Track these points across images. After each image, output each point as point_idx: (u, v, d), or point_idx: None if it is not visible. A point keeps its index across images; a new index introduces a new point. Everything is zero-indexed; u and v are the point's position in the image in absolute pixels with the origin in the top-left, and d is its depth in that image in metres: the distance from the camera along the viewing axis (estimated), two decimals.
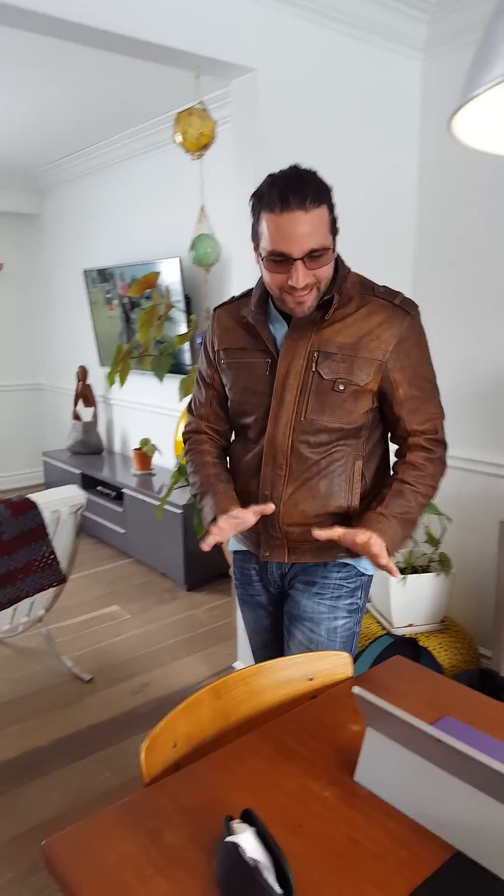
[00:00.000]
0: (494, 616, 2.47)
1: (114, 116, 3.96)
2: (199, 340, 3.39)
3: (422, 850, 0.99)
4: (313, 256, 1.39)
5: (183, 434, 1.77)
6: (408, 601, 2.65)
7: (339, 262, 1.53)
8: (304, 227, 1.36)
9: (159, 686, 2.92)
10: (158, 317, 3.43)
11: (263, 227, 1.40)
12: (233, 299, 1.69)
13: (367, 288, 1.54)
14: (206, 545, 1.50)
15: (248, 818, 0.97)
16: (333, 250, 1.46)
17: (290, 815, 1.06)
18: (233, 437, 1.75)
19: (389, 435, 1.66)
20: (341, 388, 1.50)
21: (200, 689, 1.32)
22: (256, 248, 1.47)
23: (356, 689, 1.07)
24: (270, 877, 0.88)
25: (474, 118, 1.01)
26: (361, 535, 1.43)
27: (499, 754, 1.16)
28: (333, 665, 1.48)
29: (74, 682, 2.95)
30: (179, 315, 4.06)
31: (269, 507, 1.51)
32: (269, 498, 1.56)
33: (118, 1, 2.00)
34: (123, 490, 4.38)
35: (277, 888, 0.87)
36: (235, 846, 0.89)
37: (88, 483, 4.91)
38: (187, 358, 4.06)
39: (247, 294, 1.66)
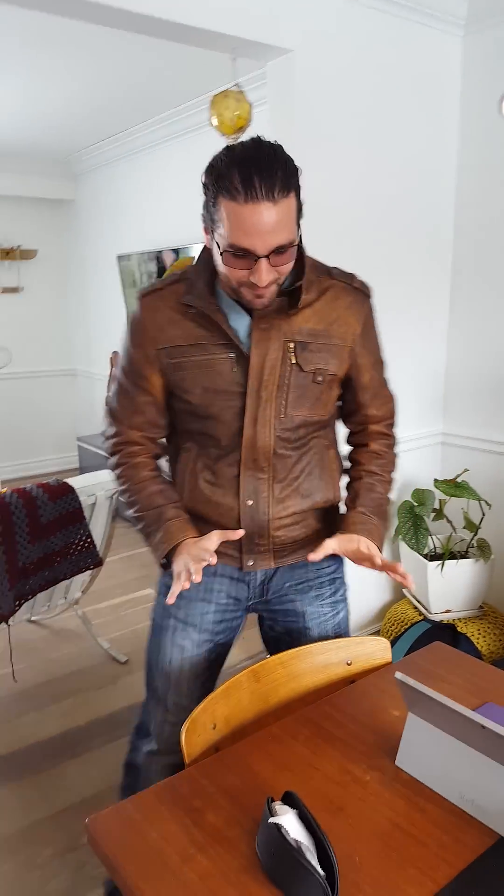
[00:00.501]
0: None
1: (147, 100, 3.94)
2: None
3: (464, 835, 0.99)
4: (278, 252, 1.21)
5: (111, 446, 1.52)
6: (446, 587, 2.63)
7: (300, 246, 1.35)
8: (271, 220, 1.16)
9: None
10: None
11: (222, 215, 1.19)
12: (163, 285, 1.42)
13: (322, 271, 1.42)
14: (172, 597, 1.32)
15: (290, 800, 0.97)
16: (300, 241, 1.30)
17: (331, 798, 1.06)
18: (181, 446, 1.51)
19: (343, 419, 1.59)
20: (320, 379, 1.40)
21: (237, 673, 1.33)
22: (208, 231, 1.27)
23: (398, 675, 1.06)
24: (313, 858, 0.89)
25: None
26: (362, 544, 1.39)
27: None
28: (372, 650, 1.48)
29: (110, 664, 2.99)
30: None
31: (238, 533, 1.36)
32: (255, 506, 1.43)
33: None
34: None
35: (320, 870, 0.87)
36: (278, 827, 0.90)
37: None
38: None
39: (178, 280, 1.41)
